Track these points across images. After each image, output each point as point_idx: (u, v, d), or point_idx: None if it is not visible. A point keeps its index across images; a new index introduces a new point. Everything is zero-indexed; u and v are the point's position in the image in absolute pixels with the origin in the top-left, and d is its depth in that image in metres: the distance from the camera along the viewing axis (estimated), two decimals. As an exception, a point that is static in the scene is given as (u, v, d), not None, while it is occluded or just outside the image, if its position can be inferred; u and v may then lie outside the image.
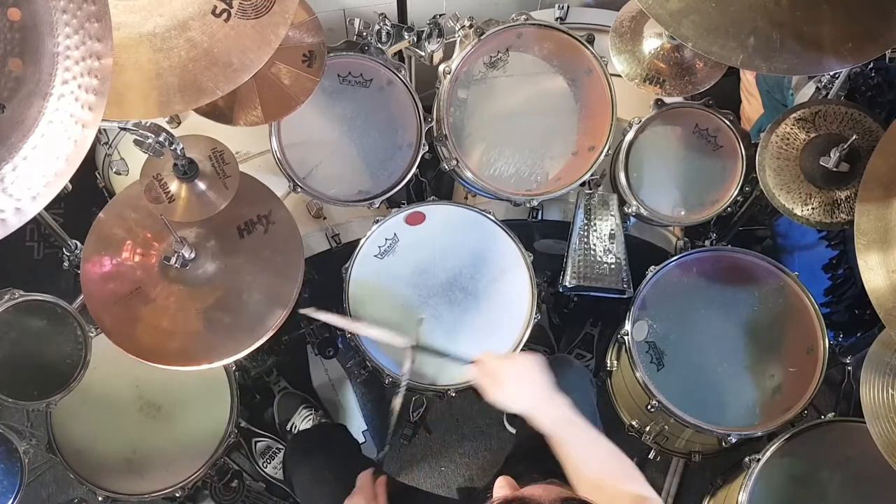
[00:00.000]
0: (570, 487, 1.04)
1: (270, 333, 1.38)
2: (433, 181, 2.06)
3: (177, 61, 1.07)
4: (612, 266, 1.68)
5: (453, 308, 1.61)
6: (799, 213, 1.51)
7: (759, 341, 1.65)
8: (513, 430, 2.15)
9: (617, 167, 1.70)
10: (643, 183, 1.71)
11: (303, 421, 2.09)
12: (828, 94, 1.60)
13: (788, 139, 1.53)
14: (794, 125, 1.53)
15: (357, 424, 2.13)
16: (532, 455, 1.55)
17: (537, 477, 1.20)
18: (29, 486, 1.46)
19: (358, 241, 1.65)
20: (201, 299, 1.37)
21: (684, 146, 1.71)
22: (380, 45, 1.58)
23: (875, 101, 1.63)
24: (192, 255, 1.34)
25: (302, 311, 1.43)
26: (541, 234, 1.89)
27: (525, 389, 1.20)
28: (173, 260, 1.31)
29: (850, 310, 1.88)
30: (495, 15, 1.66)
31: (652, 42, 1.55)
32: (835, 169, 1.46)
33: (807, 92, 1.76)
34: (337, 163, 1.65)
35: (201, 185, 1.29)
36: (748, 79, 2.06)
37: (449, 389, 1.57)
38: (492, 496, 1.01)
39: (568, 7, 1.74)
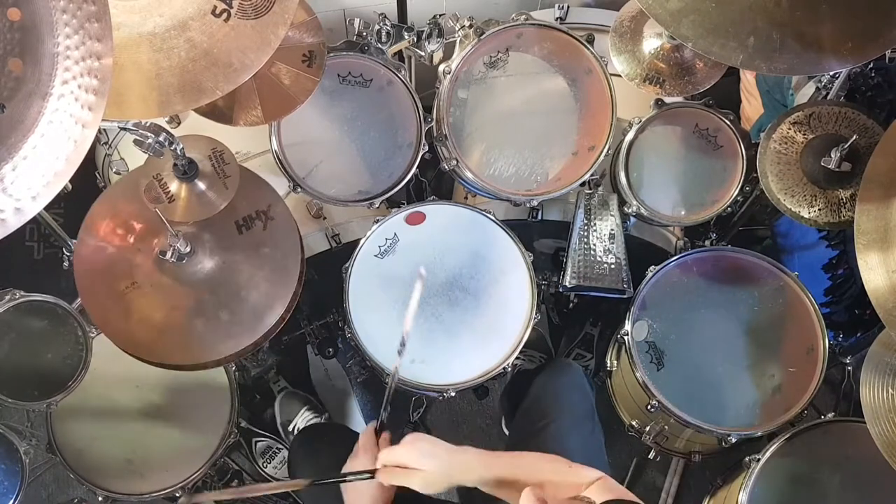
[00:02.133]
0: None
1: (270, 332, 1.38)
2: (433, 181, 2.06)
3: (177, 61, 1.07)
4: (612, 266, 1.68)
5: (453, 308, 1.61)
6: (806, 216, 1.51)
7: (759, 341, 1.65)
8: (507, 433, 2.15)
9: (617, 167, 1.69)
10: (643, 183, 1.71)
11: (305, 423, 2.09)
12: (828, 94, 1.60)
13: (787, 143, 1.53)
14: (790, 129, 1.53)
15: (357, 424, 2.13)
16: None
17: None
18: (29, 486, 1.46)
19: (358, 241, 1.65)
20: (199, 296, 1.36)
21: (684, 146, 1.71)
22: (380, 45, 1.58)
23: (875, 101, 1.63)
24: (188, 250, 1.32)
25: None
26: (541, 235, 1.88)
27: (442, 456, 1.15)
28: (169, 254, 1.30)
29: (850, 310, 1.88)
30: (495, 15, 1.66)
31: (652, 42, 1.55)
32: (837, 169, 1.46)
33: (807, 92, 1.76)
34: (337, 163, 1.65)
35: (201, 185, 1.29)
36: (748, 79, 2.06)
37: (449, 389, 1.57)
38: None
39: (568, 7, 1.74)
